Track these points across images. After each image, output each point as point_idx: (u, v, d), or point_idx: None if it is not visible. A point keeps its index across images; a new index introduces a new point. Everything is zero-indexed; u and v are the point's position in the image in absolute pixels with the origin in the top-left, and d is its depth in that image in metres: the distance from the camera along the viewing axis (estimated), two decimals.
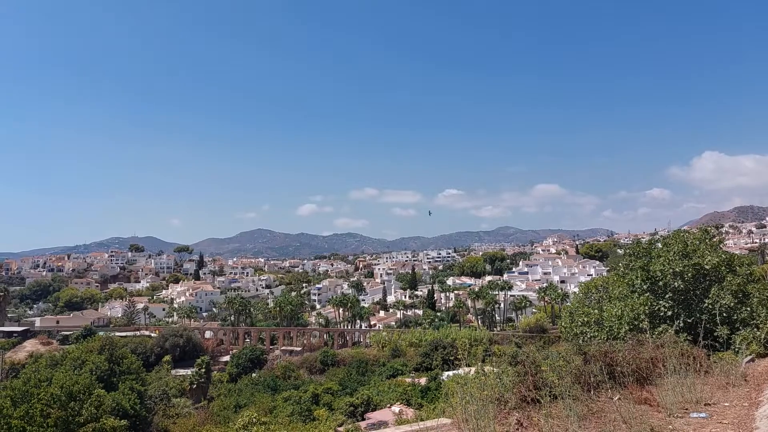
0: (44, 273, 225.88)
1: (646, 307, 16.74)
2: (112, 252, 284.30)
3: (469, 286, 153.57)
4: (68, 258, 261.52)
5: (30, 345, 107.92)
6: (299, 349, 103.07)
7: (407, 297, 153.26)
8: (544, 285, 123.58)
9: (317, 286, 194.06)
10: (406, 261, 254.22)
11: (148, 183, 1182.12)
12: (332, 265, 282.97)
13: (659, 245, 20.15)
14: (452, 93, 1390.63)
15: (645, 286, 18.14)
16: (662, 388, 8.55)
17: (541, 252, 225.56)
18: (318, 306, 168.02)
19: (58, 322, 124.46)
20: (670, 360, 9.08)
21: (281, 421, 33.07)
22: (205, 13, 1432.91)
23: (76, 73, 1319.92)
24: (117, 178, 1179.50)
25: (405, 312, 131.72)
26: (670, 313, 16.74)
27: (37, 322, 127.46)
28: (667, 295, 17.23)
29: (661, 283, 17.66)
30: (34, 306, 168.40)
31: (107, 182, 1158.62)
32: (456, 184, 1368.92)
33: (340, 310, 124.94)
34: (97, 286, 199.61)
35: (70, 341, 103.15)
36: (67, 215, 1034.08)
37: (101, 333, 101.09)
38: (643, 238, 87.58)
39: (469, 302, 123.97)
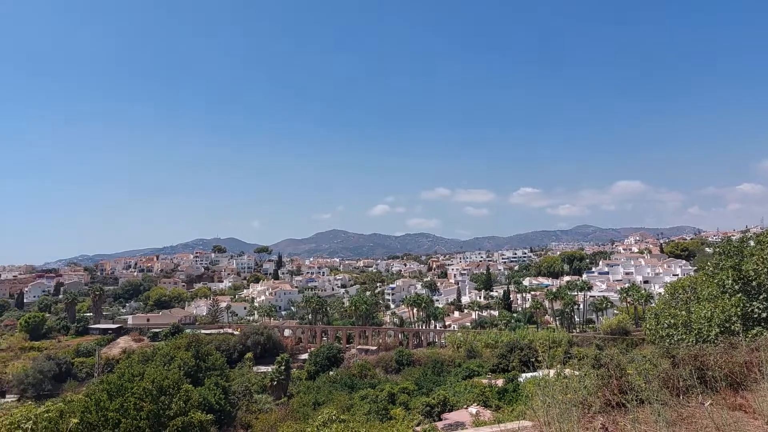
0: (135, 273, 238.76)
1: (739, 309, 15.87)
2: (196, 253, 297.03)
3: (547, 286, 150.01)
4: (157, 259, 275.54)
5: (123, 341, 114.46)
6: (375, 348, 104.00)
7: (482, 297, 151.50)
8: (626, 285, 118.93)
9: (391, 285, 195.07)
10: (481, 261, 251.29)
11: (231, 187, 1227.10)
12: (405, 265, 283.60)
13: (752, 243, 19.03)
14: (527, 89, 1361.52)
15: (737, 287, 17.19)
16: (758, 394, 8.11)
17: (622, 251, 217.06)
18: (392, 306, 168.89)
19: (148, 320, 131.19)
20: (766, 364, 8.61)
21: (359, 419, 33.53)
22: (282, 15, 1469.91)
23: (165, 80, 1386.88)
24: (201, 182, 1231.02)
25: (480, 313, 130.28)
26: (765, 314, 15.80)
27: (130, 320, 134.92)
28: (761, 296, 16.26)
29: (754, 283, 16.69)
30: (127, 304, 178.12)
31: (192, 186, 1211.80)
32: (531, 182, 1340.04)
33: (414, 310, 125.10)
34: (184, 286, 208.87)
35: (160, 338, 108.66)
36: (156, 218, 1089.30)
37: (188, 330, 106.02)
38: (734, 235, 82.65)
39: (546, 303, 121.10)
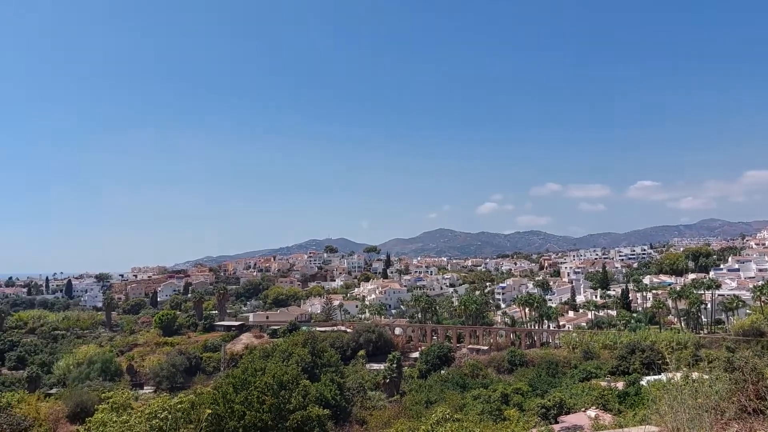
0: (254, 273, 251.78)
1: None
2: (310, 253, 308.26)
3: (669, 285, 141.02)
4: (274, 259, 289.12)
5: (245, 338, 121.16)
6: (486, 347, 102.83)
7: (598, 297, 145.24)
8: (760, 283, 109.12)
9: (501, 285, 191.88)
10: (596, 259, 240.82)
11: (340, 188, 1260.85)
12: (515, 263, 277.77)
13: None
14: (644, 79, 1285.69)
15: None
16: None
17: (754, 246, 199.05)
18: (502, 305, 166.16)
19: (267, 317, 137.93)
20: None
21: (472, 419, 33.38)
22: (388, 14, 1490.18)
23: (284, 82, 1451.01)
24: (313, 184, 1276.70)
25: (596, 312, 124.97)
26: None
27: (251, 317, 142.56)
28: None
29: None
30: (248, 303, 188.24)
31: (305, 189, 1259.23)
32: (650, 174, 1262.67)
33: (526, 309, 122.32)
34: (299, 285, 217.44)
35: (278, 335, 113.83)
36: (272, 221, 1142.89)
37: (304, 328, 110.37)
38: None
39: (669, 302, 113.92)
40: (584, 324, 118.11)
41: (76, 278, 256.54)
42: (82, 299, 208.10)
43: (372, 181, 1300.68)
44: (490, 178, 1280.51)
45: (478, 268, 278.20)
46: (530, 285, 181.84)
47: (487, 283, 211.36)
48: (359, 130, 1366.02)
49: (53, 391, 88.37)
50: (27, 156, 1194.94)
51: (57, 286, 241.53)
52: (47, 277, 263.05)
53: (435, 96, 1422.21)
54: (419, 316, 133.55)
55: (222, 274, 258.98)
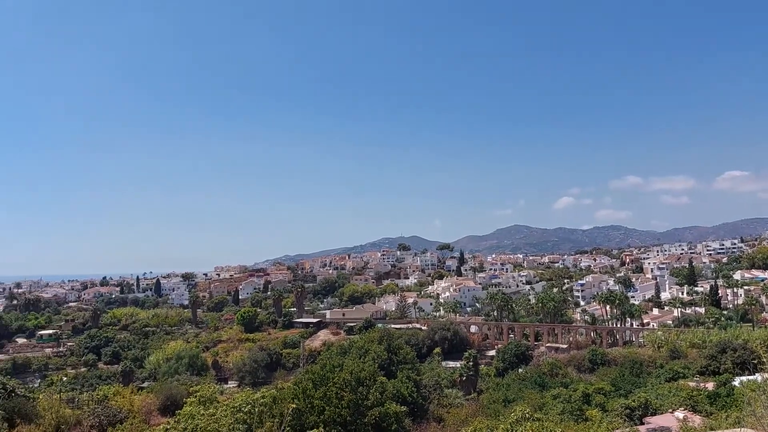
0: (330, 271, 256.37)
1: None
2: (383, 251, 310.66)
3: (762, 280, 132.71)
4: (348, 257, 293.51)
5: (323, 334, 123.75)
6: (565, 346, 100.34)
7: (684, 293, 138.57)
8: None
9: (580, 282, 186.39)
10: (681, 254, 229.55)
11: (412, 188, 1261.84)
12: (595, 260, 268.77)
13: None
14: (728, 68, 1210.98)
15: None
16: None
17: None
18: (582, 303, 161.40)
19: (343, 314, 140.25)
20: None
21: (552, 419, 32.74)
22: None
23: (342, 87, 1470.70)
24: (385, 183, 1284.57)
25: (682, 310, 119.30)
26: None
27: (327, 314, 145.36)
28: None
29: None
30: (324, 300, 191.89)
31: (378, 189, 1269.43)
32: (738, 164, 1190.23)
33: (607, 307, 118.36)
34: (373, 282, 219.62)
35: (354, 332, 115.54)
36: (346, 220, 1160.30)
37: (379, 325, 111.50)
38: None
39: (763, 299, 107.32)
40: (670, 322, 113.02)
41: (164, 277, 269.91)
42: (170, 297, 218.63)
43: (444, 179, 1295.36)
44: (567, 173, 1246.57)
45: (556, 264, 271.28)
46: (611, 282, 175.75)
47: (566, 280, 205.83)
48: (429, 133, 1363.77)
49: (145, 384, 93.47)
50: (118, 165, 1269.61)
51: (147, 285, 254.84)
52: (138, 277, 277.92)
53: (508, 92, 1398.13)
54: (495, 313, 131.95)
55: (299, 272, 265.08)
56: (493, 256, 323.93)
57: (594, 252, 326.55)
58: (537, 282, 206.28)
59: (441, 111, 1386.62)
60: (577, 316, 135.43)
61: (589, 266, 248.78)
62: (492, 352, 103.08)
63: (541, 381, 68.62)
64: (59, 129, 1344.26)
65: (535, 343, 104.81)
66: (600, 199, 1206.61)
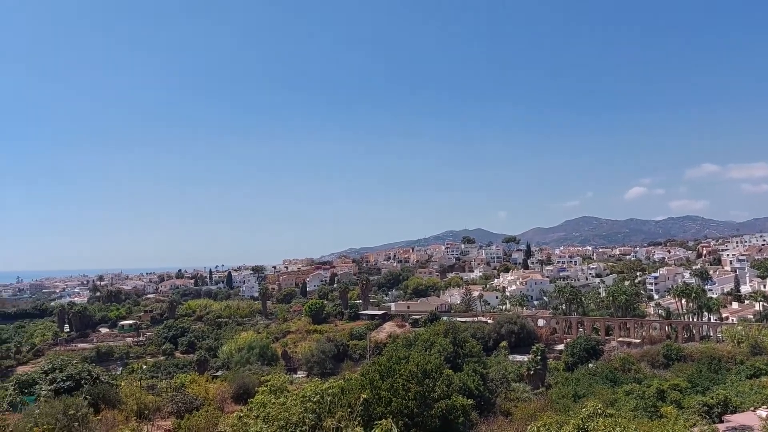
0: (394, 264, 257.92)
1: None
2: (447, 244, 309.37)
3: None
4: (412, 251, 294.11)
5: (388, 327, 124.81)
6: (638, 341, 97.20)
7: (766, 287, 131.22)
8: None
9: (653, 274, 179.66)
10: (763, 245, 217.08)
11: (476, 180, 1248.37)
12: (669, 252, 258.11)
13: None
14: None
15: None
16: None
17: None
18: (655, 296, 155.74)
19: (408, 307, 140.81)
20: None
21: (625, 415, 31.86)
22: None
23: (401, 83, 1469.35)
24: (448, 178, 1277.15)
25: (765, 304, 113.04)
26: None
27: (392, 307, 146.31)
28: None
29: None
30: (389, 293, 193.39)
31: (440, 180, 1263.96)
32: None
33: (683, 300, 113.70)
34: (437, 275, 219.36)
35: (419, 324, 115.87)
36: (409, 213, 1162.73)
37: (444, 318, 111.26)
38: None
39: None
40: (750, 316, 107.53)
41: (235, 270, 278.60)
42: (241, 289, 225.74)
43: (509, 171, 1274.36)
44: (638, 162, 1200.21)
45: (627, 257, 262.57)
46: (686, 274, 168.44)
47: (638, 273, 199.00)
48: (494, 125, 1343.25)
49: (219, 373, 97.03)
50: (193, 166, 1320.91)
51: (219, 277, 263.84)
52: (210, 270, 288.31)
53: (576, 79, 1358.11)
54: (563, 307, 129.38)
55: (364, 265, 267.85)
56: (561, 248, 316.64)
57: (668, 243, 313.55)
58: (607, 275, 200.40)
59: (505, 102, 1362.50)
60: (651, 310, 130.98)
61: (663, 258, 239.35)
62: (560, 347, 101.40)
63: (613, 376, 66.88)
64: (143, 130, 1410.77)
65: (606, 337, 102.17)
66: (674, 189, 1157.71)
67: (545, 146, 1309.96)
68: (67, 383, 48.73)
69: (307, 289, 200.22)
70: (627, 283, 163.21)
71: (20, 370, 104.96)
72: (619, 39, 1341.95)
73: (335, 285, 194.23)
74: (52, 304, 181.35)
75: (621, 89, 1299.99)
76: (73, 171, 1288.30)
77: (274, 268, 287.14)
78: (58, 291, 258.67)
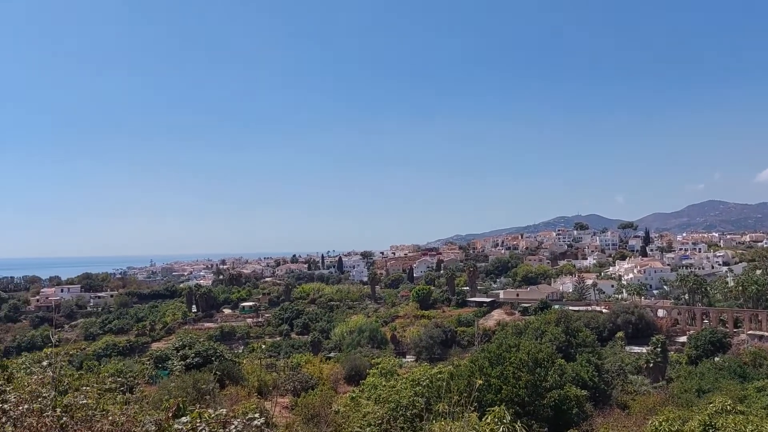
0: (502, 251, 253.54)
1: None
2: (558, 231, 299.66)
3: None
4: (521, 237, 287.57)
5: (497, 314, 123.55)
6: None
7: None
8: None
9: None
10: None
11: (591, 163, 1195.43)
12: None
13: None
14: None
15: None
16: None
17: None
18: None
19: (517, 294, 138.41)
20: None
21: (757, 413, 29.70)
22: None
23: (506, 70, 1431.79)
24: (559, 160, 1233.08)
25: None
26: None
27: (501, 294, 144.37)
28: None
29: None
30: (497, 280, 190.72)
31: (551, 165, 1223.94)
32: None
33: None
34: (548, 263, 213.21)
35: (530, 312, 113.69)
36: (517, 199, 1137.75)
37: (555, 306, 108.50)
38: None
39: None
40: None
41: (345, 255, 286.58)
42: (351, 274, 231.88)
43: (628, 152, 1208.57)
44: None
45: (759, 243, 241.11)
46: None
47: None
48: (612, 100, 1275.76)
49: (331, 354, 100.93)
50: (307, 163, 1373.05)
51: (330, 262, 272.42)
52: (322, 255, 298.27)
53: (702, 48, 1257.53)
54: (686, 297, 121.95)
55: (471, 252, 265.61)
56: (684, 234, 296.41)
57: None
58: (736, 263, 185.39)
59: (621, 76, 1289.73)
60: None
61: None
62: (683, 339, 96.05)
63: (742, 371, 62.45)
64: (263, 128, 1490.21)
65: (734, 330, 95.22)
66: None
67: (666, 124, 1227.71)
68: (196, 359, 53.00)
69: (414, 275, 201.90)
70: (759, 272, 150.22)
71: (154, 346, 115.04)
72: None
73: (442, 271, 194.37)
74: (181, 285, 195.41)
75: (753, 57, 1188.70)
76: (197, 167, 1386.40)
77: (382, 253, 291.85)
78: (186, 274, 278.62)
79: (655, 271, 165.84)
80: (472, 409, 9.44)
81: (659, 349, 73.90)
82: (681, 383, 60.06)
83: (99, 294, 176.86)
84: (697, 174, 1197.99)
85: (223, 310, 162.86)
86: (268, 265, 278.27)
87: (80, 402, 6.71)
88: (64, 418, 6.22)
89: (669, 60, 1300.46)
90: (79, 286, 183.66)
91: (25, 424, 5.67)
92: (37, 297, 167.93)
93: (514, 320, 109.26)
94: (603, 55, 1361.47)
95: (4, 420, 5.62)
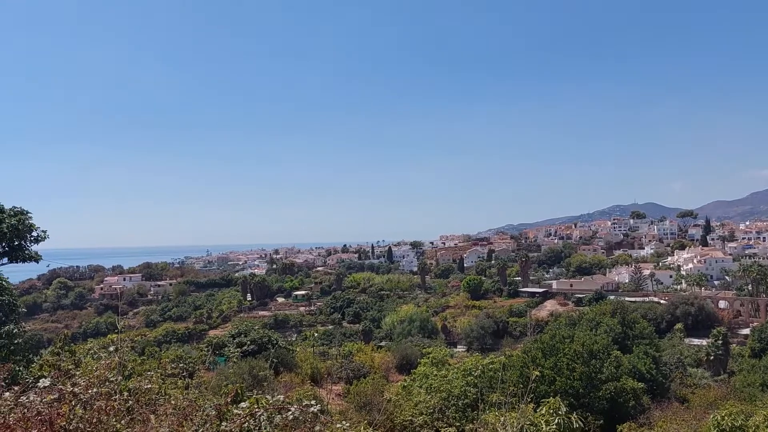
0: (555, 240, 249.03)
1: None
2: (614, 219, 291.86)
3: None
4: (575, 226, 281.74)
5: (549, 305, 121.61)
6: None
7: None
8: None
9: None
10: None
11: (647, 150, 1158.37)
12: None
13: None
14: None
15: None
16: None
17: None
18: None
19: (571, 285, 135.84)
20: None
21: None
22: None
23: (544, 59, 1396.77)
24: (614, 148, 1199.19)
25: None
26: None
27: (554, 284, 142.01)
28: None
29: None
30: (550, 270, 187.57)
31: (606, 153, 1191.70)
32: None
33: None
34: (603, 253, 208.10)
35: (584, 303, 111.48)
36: (571, 188, 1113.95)
37: (611, 297, 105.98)
38: None
39: None
40: None
41: (395, 245, 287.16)
42: (401, 264, 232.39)
43: (688, 136, 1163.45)
44: None
45: None
46: None
47: None
48: (667, 82, 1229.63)
49: (383, 343, 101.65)
50: (357, 157, 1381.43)
51: (380, 252, 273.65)
52: (372, 245, 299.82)
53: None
54: (749, 288, 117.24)
55: (523, 241, 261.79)
56: (747, 223, 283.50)
57: None
58: None
59: (678, 55, 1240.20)
60: None
61: None
62: (746, 331, 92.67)
63: None
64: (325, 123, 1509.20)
65: None
66: None
67: (732, 106, 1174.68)
68: (252, 347, 54.36)
69: (464, 265, 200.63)
70: None
71: (211, 333, 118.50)
72: None
73: (493, 261, 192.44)
74: (236, 275, 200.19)
75: None
76: (252, 158, 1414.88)
77: (432, 243, 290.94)
78: (240, 263, 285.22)
79: (716, 261, 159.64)
80: (529, 400, 9.34)
81: (720, 342, 71.41)
82: (744, 377, 57.84)
83: (159, 283, 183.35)
84: (761, 160, 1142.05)
85: (277, 298, 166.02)
86: (319, 255, 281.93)
87: (144, 386, 7.00)
88: (131, 402, 6.51)
89: (726, 43, 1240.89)
90: (140, 275, 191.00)
91: (95, 406, 5.94)
92: (101, 285, 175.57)
93: (568, 311, 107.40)
94: (666, 36, 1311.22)
95: (74, 402, 5.90)
